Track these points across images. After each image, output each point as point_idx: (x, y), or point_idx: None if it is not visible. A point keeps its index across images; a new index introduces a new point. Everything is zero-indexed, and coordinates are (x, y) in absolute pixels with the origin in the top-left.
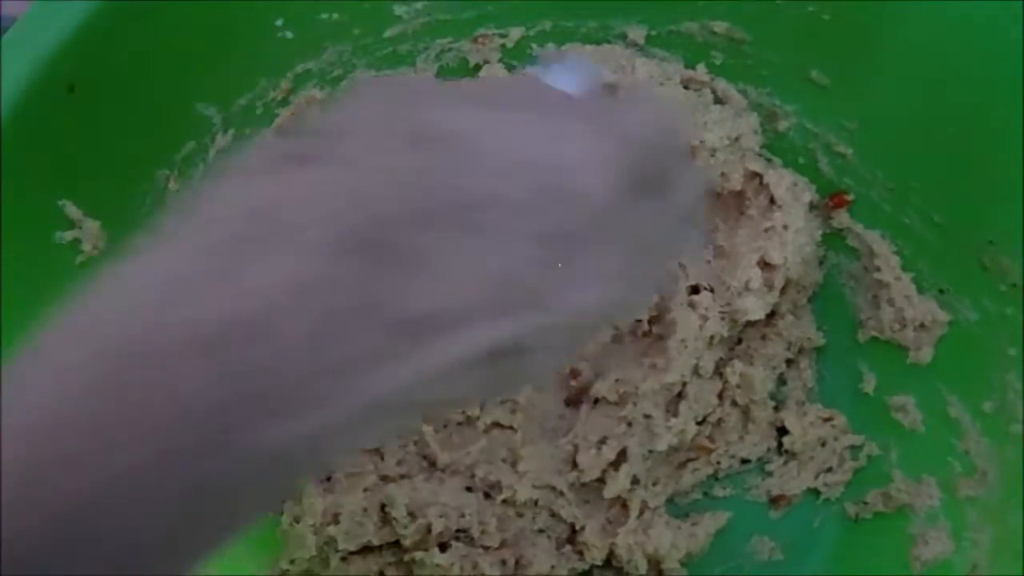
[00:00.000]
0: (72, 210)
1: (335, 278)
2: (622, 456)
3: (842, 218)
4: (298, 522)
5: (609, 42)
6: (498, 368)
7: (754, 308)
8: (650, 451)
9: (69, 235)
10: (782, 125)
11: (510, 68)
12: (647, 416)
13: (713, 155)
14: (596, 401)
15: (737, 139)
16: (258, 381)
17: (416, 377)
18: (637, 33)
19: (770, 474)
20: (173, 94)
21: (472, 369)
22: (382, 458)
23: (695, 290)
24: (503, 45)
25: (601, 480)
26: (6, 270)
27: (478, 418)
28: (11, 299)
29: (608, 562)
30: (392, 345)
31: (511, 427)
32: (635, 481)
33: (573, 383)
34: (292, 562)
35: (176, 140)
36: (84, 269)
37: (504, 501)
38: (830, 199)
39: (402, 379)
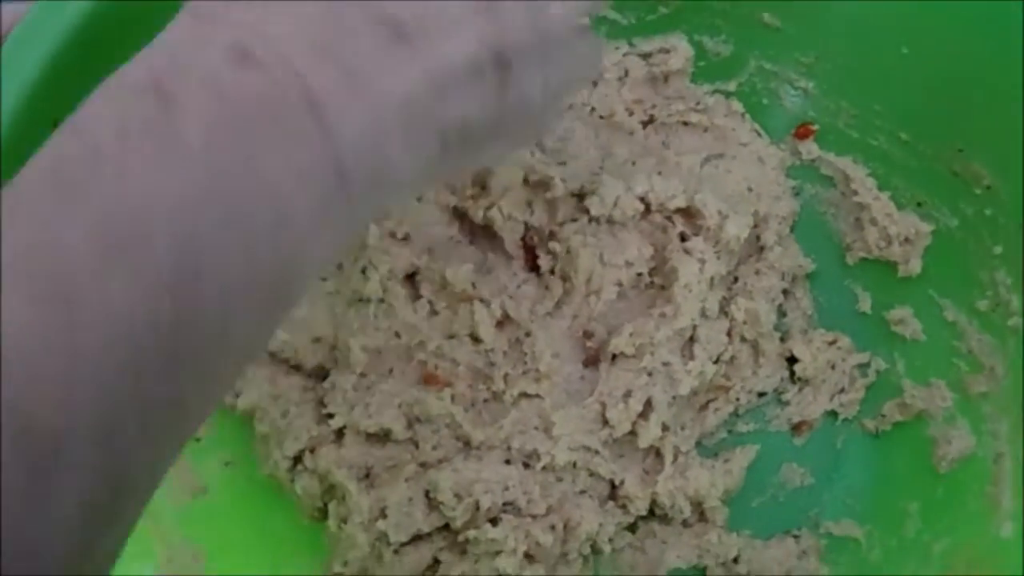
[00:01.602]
0: None
1: None
2: (648, 406)
3: (811, 149)
4: (345, 523)
5: None
6: (493, 87)
7: (738, 227)
8: (674, 397)
9: None
10: (743, 69)
11: None
12: (665, 364)
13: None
14: (614, 357)
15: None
16: None
17: (425, 76)
18: None
19: (787, 403)
20: None
21: (473, 81)
22: (417, 446)
23: (683, 237)
24: None
25: (633, 432)
26: None
27: (504, 392)
28: None
29: (652, 511)
30: (394, 46)
31: (537, 395)
32: (665, 428)
33: (589, 344)
34: (345, 563)
35: None
36: None
37: (544, 468)
38: (796, 130)
39: (414, 79)
